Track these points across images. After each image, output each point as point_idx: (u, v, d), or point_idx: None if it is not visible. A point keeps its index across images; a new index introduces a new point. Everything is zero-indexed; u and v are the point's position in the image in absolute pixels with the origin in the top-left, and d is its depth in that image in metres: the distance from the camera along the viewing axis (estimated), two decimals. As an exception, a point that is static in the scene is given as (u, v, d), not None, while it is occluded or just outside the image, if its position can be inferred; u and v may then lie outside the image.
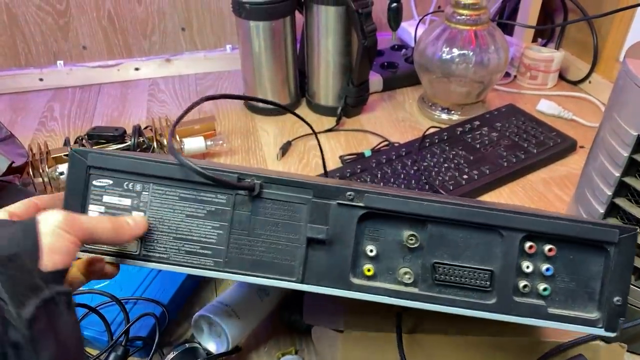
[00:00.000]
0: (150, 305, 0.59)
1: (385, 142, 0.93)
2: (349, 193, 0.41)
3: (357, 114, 1.03)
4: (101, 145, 0.85)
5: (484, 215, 0.40)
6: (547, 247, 0.41)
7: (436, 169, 0.82)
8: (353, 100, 0.99)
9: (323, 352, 0.56)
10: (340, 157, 0.90)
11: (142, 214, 0.41)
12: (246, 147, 0.95)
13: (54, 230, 0.33)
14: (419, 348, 0.53)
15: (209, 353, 0.54)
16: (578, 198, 0.62)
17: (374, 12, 0.90)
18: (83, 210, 0.41)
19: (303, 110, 1.06)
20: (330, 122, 1.01)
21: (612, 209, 0.55)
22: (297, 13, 0.98)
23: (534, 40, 1.18)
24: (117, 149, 0.85)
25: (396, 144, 0.91)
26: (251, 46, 0.96)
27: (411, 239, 0.41)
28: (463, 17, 0.90)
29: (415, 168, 0.83)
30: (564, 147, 0.89)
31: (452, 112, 0.99)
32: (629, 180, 0.51)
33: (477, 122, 0.93)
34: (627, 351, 0.57)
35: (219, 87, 1.14)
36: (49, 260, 0.32)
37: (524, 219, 0.40)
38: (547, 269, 0.41)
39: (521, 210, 0.41)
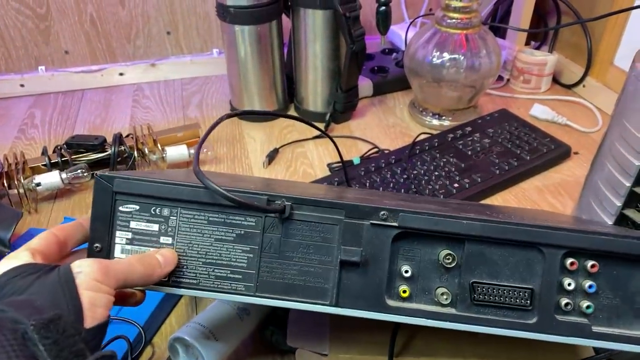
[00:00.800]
0: (125, 325, 0.56)
1: (375, 149, 0.90)
2: (382, 213, 0.39)
3: (346, 119, 1.00)
4: (80, 155, 0.82)
5: (524, 232, 0.39)
6: (589, 263, 0.39)
7: (426, 177, 0.80)
8: (342, 106, 0.96)
9: (306, 376, 0.54)
10: (328, 164, 0.87)
11: (169, 241, 0.40)
12: (232, 155, 0.92)
13: (91, 283, 0.32)
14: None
15: (185, 377, 0.51)
16: (583, 208, 0.59)
17: (364, 15, 0.88)
18: (110, 238, 0.40)
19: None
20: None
21: (621, 220, 0.52)
22: (283, 17, 0.95)
23: (527, 44, 1.16)
24: (96, 158, 0.82)
25: (386, 151, 0.89)
26: (237, 51, 0.93)
27: (448, 259, 0.39)
28: (454, 20, 0.88)
29: (405, 176, 0.80)
30: (558, 153, 0.86)
31: (444, 117, 0.97)
32: (640, 190, 0.49)
33: (468, 128, 0.91)
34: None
35: (206, 92, 1.11)
36: (90, 317, 0.31)
37: (564, 235, 0.39)
38: (590, 286, 0.39)
39: (561, 224, 0.39)
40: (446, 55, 0.89)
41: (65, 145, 0.83)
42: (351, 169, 0.83)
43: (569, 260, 0.39)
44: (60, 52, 1.09)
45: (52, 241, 0.38)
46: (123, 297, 0.42)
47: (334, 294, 0.39)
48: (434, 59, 0.90)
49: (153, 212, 0.40)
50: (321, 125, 0.98)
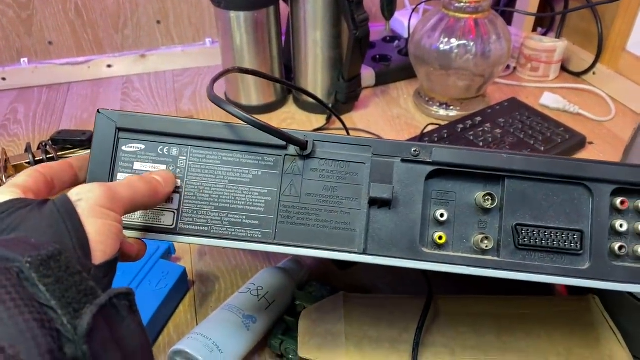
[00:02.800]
0: (119, 337, 0.51)
1: (380, 142, 0.85)
2: (414, 149, 0.36)
3: (348, 110, 0.95)
4: (67, 151, 0.77)
5: (568, 166, 0.36)
6: None
7: (437, 171, 0.75)
8: (344, 97, 0.91)
9: (320, 389, 0.49)
10: (332, 158, 0.82)
11: (177, 183, 0.37)
12: (229, 150, 0.87)
13: (96, 210, 0.27)
14: (431, 383, 0.46)
15: (187, 394, 0.47)
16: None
17: (365, 0, 0.82)
18: (111, 180, 0.36)
19: (290, 107, 0.98)
20: (319, 120, 0.93)
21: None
22: (281, 3, 0.90)
23: (534, 30, 1.12)
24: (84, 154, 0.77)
25: (392, 144, 0.84)
26: (232, 39, 0.88)
27: (487, 199, 0.36)
28: (462, 4, 0.83)
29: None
30: (572, 143, 0.82)
31: (451, 107, 0.92)
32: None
33: (478, 118, 0.86)
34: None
35: (199, 83, 1.06)
36: (99, 250, 0.27)
37: (612, 168, 0.35)
38: None
39: (609, 161, 0.36)
40: (454, 42, 0.84)
41: (50, 142, 0.77)
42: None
43: (619, 199, 0.36)
44: (44, 43, 1.03)
45: (39, 179, 0.32)
46: (122, 248, 0.36)
47: (363, 240, 0.35)
48: (442, 46, 0.85)
49: (160, 152, 0.37)
50: (322, 117, 0.93)
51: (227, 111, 0.34)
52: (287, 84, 0.57)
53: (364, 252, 0.36)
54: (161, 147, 0.37)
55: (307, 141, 0.36)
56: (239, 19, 0.86)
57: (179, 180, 0.37)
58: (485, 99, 0.94)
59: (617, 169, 0.36)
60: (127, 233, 0.37)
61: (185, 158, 0.37)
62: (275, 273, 0.56)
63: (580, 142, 0.83)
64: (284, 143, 0.36)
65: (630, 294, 0.51)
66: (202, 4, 1.07)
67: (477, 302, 0.52)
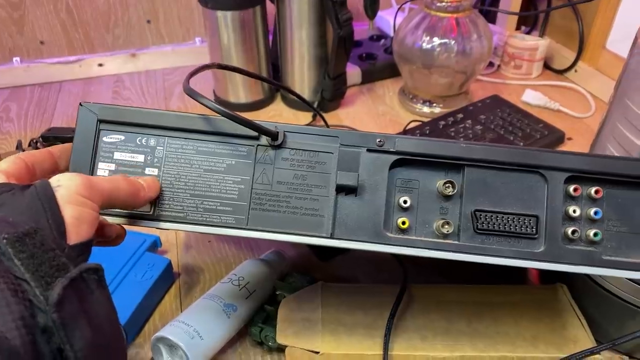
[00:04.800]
0: (105, 326, 0.53)
1: (365, 138, 0.88)
2: (379, 139, 0.38)
3: (334, 108, 0.97)
4: (57, 148, 0.79)
5: (524, 154, 0.38)
6: (593, 188, 0.38)
7: (418, 166, 0.77)
8: (330, 94, 0.93)
9: (298, 374, 0.51)
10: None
11: (155, 172, 0.39)
12: (217, 146, 0.89)
13: (73, 197, 0.30)
14: (403, 367, 0.48)
15: (169, 379, 0.49)
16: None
17: (350, 1, 0.84)
18: (92, 169, 0.39)
19: (278, 105, 1.00)
20: (306, 117, 0.95)
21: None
22: (268, 2, 0.92)
23: (517, 28, 1.14)
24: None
25: (376, 140, 0.86)
26: (219, 38, 0.90)
27: (447, 187, 0.38)
28: (443, 3, 0.85)
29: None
30: (551, 139, 0.84)
31: (434, 104, 0.94)
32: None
33: (460, 115, 0.88)
34: (634, 359, 0.54)
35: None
36: (74, 232, 0.29)
37: (565, 157, 0.38)
38: (596, 212, 0.38)
39: (564, 150, 0.39)
40: (436, 40, 0.86)
41: (40, 139, 0.79)
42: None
43: (572, 186, 0.38)
44: (36, 43, 1.05)
45: (20, 165, 0.34)
46: (102, 231, 0.39)
47: (330, 225, 0.38)
48: (424, 44, 0.87)
49: (139, 142, 0.39)
50: (309, 115, 0.95)
51: (201, 103, 0.36)
52: (267, 80, 0.59)
53: (332, 237, 0.38)
54: (139, 137, 0.39)
55: (277, 132, 0.38)
56: (225, 19, 0.88)
57: (155, 170, 0.39)
58: (468, 96, 0.97)
59: (571, 157, 0.38)
60: (107, 219, 0.39)
61: (162, 148, 0.39)
62: (256, 264, 0.58)
63: (559, 138, 0.85)
64: (256, 134, 0.38)
65: (596, 282, 0.53)
66: (191, 4, 1.09)
67: (449, 291, 0.54)
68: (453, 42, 0.85)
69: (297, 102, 0.97)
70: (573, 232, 0.38)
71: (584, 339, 0.49)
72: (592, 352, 0.47)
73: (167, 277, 0.61)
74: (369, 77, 1.05)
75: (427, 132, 0.85)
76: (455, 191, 0.38)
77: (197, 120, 0.39)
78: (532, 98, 0.97)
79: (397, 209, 0.39)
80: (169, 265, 0.61)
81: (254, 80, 0.95)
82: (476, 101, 0.93)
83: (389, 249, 0.38)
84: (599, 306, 0.53)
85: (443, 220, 0.38)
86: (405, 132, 0.85)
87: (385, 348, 0.47)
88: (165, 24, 1.10)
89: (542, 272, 0.62)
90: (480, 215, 0.38)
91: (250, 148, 0.39)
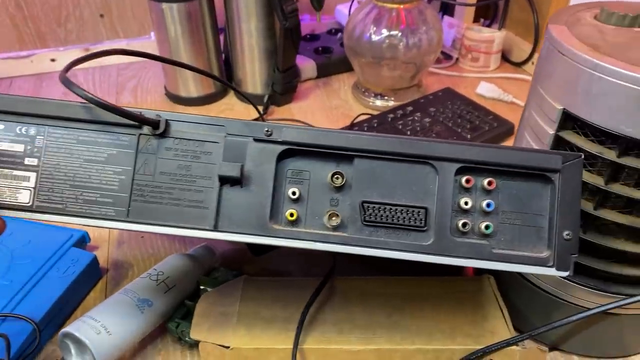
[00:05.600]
0: (18, 323, 0.52)
1: (313, 132, 0.86)
2: (266, 129, 0.37)
3: (287, 102, 0.96)
4: None
5: (413, 145, 0.36)
6: (486, 180, 0.37)
7: (362, 159, 0.76)
8: (281, 88, 0.92)
9: (212, 370, 0.50)
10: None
11: (35, 162, 0.37)
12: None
13: None
14: (316, 361, 0.47)
15: (77, 377, 0.47)
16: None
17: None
18: None
19: (231, 99, 0.99)
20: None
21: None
22: (216, -6, 0.91)
23: (476, 21, 1.13)
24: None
25: (324, 133, 0.85)
26: (167, 31, 0.88)
27: (337, 178, 0.37)
28: (391, -6, 0.84)
29: (340, 158, 0.76)
30: (500, 131, 0.83)
31: (386, 97, 0.93)
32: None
33: (410, 108, 0.87)
34: (560, 350, 0.53)
35: (142, 77, 1.06)
36: None
37: (456, 147, 0.36)
38: (488, 204, 0.37)
39: (456, 141, 0.37)
40: (384, 32, 0.85)
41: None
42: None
43: (464, 177, 0.37)
44: (-16, 38, 1.03)
45: None
46: None
47: (214, 217, 0.37)
48: (373, 36, 0.86)
49: (19, 132, 0.38)
50: (260, 108, 0.94)
51: (74, 92, 0.35)
52: (193, 68, 0.57)
53: (215, 229, 0.37)
54: (19, 126, 0.38)
55: (159, 120, 0.37)
56: (172, 11, 0.86)
57: (35, 160, 0.38)
58: (421, 88, 0.96)
59: (462, 148, 0.37)
60: None
61: (42, 137, 0.38)
62: (180, 259, 0.56)
63: (508, 130, 0.84)
64: (138, 123, 0.37)
65: (521, 274, 0.52)
66: (145, -2, 1.07)
67: (373, 283, 0.53)
68: (400, 34, 0.84)
69: (249, 96, 0.95)
70: (464, 224, 0.37)
71: (503, 330, 0.48)
72: (508, 343, 0.46)
73: (93, 272, 0.60)
74: (324, 71, 1.04)
75: (375, 125, 0.84)
76: (345, 182, 0.37)
77: (78, 108, 0.37)
78: (486, 90, 0.96)
79: (287, 200, 0.37)
80: (94, 260, 0.59)
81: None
82: (428, 94, 0.92)
83: (275, 242, 0.37)
84: (525, 298, 0.53)
85: (331, 212, 0.37)
86: (352, 125, 0.84)
87: (296, 341, 0.46)
88: (119, 19, 1.08)
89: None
90: (368, 206, 0.37)
91: (132, 137, 0.37)
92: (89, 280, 0.60)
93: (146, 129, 0.37)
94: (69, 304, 0.57)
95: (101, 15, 1.07)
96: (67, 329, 0.46)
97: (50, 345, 0.54)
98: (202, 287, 0.55)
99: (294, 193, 0.37)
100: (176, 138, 0.37)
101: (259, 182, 0.37)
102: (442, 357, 0.47)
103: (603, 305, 0.46)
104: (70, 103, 0.38)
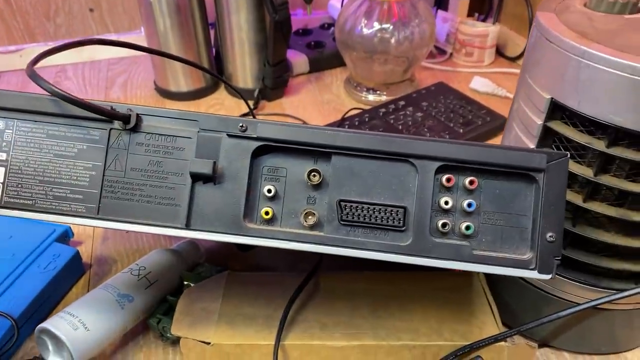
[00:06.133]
0: (-3, 319, 0.51)
1: (304, 126, 0.85)
2: (241, 124, 0.36)
3: (278, 96, 0.95)
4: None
5: (392, 142, 0.35)
6: (467, 179, 0.36)
7: (352, 153, 0.75)
8: (271, 82, 0.91)
9: (193, 367, 0.49)
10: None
11: (3, 157, 0.37)
12: (152, 136, 0.86)
13: None
14: (299, 357, 0.46)
15: (54, 373, 0.46)
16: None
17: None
18: None
19: (221, 94, 0.98)
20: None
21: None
22: (206, -13, 0.89)
23: (470, 15, 1.12)
24: None
25: (314, 128, 0.84)
26: (155, 24, 0.87)
27: (314, 175, 0.36)
28: (383, -13, 0.83)
29: (330, 153, 0.75)
30: (493, 125, 0.82)
31: (379, 92, 0.92)
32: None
33: (402, 102, 0.86)
34: (550, 346, 0.52)
35: (132, 72, 1.05)
36: None
37: (437, 145, 0.35)
38: (469, 204, 0.36)
39: (437, 139, 0.36)
40: (376, 25, 0.84)
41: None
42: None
43: (445, 176, 0.36)
44: (-27, 32, 1.02)
45: None
46: None
47: (186, 215, 0.35)
48: (364, 30, 0.85)
49: None
50: (251, 103, 0.93)
51: (41, 86, 0.34)
52: (181, 59, 0.56)
53: (187, 227, 0.36)
54: None
55: (129, 115, 0.36)
56: (160, 4, 0.85)
57: (4, 154, 0.37)
58: (414, 83, 0.94)
59: (442, 145, 0.35)
60: None
61: (11, 131, 0.36)
62: (163, 254, 0.55)
63: (501, 124, 0.83)
64: (106, 117, 0.36)
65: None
66: (136, -8, 1.06)
67: (358, 278, 0.52)
68: (391, 27, 0.83)
69: (240, 91, 0.94)
70: (444, 224, 0.35)
71: (491, 326, 0.47)
72: (496, 339, 0.45)
73: (75, 268, 0.58)
74: (317, 66, 1.03)
75: (367, 119, 0.82)
76: (322, 180, 0.36)
77: (47, 102, 0.36)
78: (480, 85, 0.95)
79: (262, 198, 0.36)
80: (77, 255, 0.58)
81: (194, 68, 0.92)
82: (421, 88, 0.91)
83: (248, 241, 0.36)
84: (515, 294, 0.52)
85: (307, 211, 0.36)
86: (343, 120, 0.82)
87: (278, 337, 0.45)
88: (109, 13, 1.07)
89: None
90: (345, 205, 0.36)
91: (103, 132, 0.36)
92: (71, 276, 0.58)
93: (117, 124, 0.36)
94: (49, 300, 0.55)
95: (91, 10, 1.06)
96: (43, 324, 0.45)
97: (29, 342, 0.52)
98: (185, 283, 0.54)
99: (269, 191, 0.36)
100: (148, 133, 0.36)
101: (233, 179, 0.36)
102: (428, 353, 0.46)
103: (593, 300, 0.45)
104: (39, 96, 0.36)
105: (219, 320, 0.47)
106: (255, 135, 0.35)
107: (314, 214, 0.36)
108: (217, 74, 0.97)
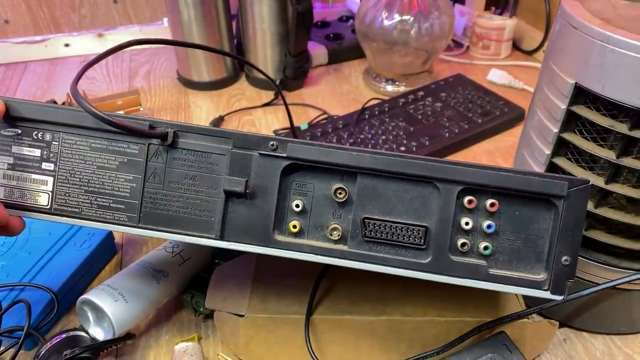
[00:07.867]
0: (37, 292, 0.53)
1: (324, 115, 0.87)
2: (271, 143, 0.37)
3: (298, 87, 0.97)
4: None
5: (416, 165, 0.37)
6: (489, 201, 0.37)
7: (373, 141, 0.77)
8: (292, 72, 0.93)
9: (226, 339, 0.51)
10: (275, 130, 0.84)
11: (51, 167, 0.39)
12: (176, 124, 0.88)
13: None
14: (328, 331, 0.48)
15: (95, 340, 0.48)
16: (517, 162, 0.57)
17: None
18: None
19: (242, 84, 1.00)
20: (269, 96, 0.94)
21: (552, 170, 0.50)
22: (229, -21, 0.91)
23: (487, 9, 1.13)
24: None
25: (335, 117, 0.86)
26: (180, 15, 0.89)
27: (340, 193, 0.37)
28: (403, -20, 0.85)
29: (352, 140, 0.77)
30: (511, 116, 0.84)
31: (397, 83, 0.93)
32: (567, 136, 0.46)
33: (421, 93, 0.88)
34: (570, 327, 0.53)
35: (155, 62, 1.07)
36: None
37: (461, 169, 0.36)
38: (489, 226, 0.37)
39: (461, 162, 0.37)
40: (396, 17, 0.86)
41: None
42: (297, 134, 0.79)
43: (467, 198, 0.37)
44: (0, 22, 1.04)
45: None
46: (6, 224, 0.39)
47: (220, 227, 0.38)
48: (384, 22, 0.87)
49: (35, 137, 0.39)
50: (271, 93, 0.95)
51: (80, 105, 0.36)
52: (207, 48, 0.58)
53: (221, 238, 0.38)
54: (36, 132, 0.39)
55: (167, 132, 0.37)
56: (185, -5, 0.87)
57: (52, 165, 0.39)
58: (432, 74, 0.96)
59: (465, 170, 0.36)
60: (8, 211, 0.39)
61: (57, 143, 0.39)
62: (194, 233, 0.57)
63: (519, 115, 0.85)
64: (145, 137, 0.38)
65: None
66: (159, -16, 1.08)
67: None
68: (412, 19, 0.85)
69: (261, 81, 0.96)
70: (463, 244, 0.37)
71: (514, 304, 0.49)
72: (519, 315, 0.47)
73: (108, 247, 0.61)
74: (335, 58, 1.05)
75: (386, 109, 0.84)
76: (347, 197, 0.38)
77: (88, 117, 0.37)
78: (497, 77, 0.96)
79: (290, 212, 0.38)
80: (110, 235, 0.61)
81: (217, 58, 0.95)
82: (439, 80, 0.92)
83: (277, 253, 0.38)
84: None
85: (333, 225, 0.38)
86: (363, 109, 0.84)
87: (309, 310, 0.47)
88: (132, 4, 1.09)
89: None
90: (369, 223, 0.37)
91: (142, 147, 0.38)
92: (105, 255, 0.61)
93: (155, 140, 0.38)
94: (86, 276, 0.58)
95: (114, 1, 1.08)
96: (86, 295, 0.48)
97: (67, 315, 0.55)
98: (216, 261, 0.56)
99: (297, 205, 0.38)
100: (184, 149, 0.38)
101: (264, 195, 0.38)
102: (453, 329, 0.47)
103: (613, 281, 0.47)
104: (81, 113, 0.38)
105: (251, 294, 0.49)
106: (285, 155, 0.37)
107: (339, 228, 0.38)
108: (240, 64, 0.99)
